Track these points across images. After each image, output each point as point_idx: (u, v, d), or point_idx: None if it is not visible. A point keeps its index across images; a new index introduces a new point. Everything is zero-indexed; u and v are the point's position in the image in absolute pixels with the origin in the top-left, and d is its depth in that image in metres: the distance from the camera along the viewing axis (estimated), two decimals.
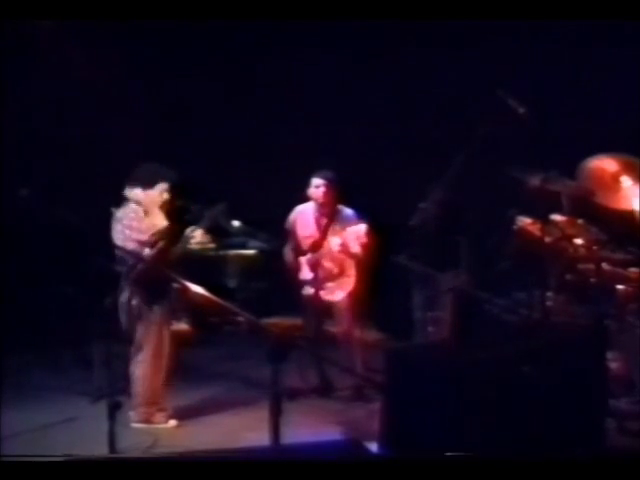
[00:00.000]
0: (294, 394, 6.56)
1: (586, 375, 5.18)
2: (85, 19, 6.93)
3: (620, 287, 6.20)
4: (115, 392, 5.61)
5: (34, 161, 8.76)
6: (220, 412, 6.75)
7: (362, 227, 6.76)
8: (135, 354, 6.39)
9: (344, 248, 6.86)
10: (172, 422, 6.44)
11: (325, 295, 7.14)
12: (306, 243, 7.22)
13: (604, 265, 6.28)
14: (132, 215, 6.31)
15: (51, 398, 7.06)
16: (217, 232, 7.05)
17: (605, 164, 6.42)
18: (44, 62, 9.02)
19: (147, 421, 6.36)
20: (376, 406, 5.75)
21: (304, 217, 7.27)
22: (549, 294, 6.41)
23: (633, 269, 6.24)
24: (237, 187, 9.35)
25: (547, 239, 6.32)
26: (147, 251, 6.23)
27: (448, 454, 4.14)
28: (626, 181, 6.34)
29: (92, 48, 9.13)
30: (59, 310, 8.23)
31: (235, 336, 8.71)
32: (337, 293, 7.12)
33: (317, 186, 7.12)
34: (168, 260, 6.23)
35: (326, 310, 7.20)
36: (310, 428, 6.00)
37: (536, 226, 6.41)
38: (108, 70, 9.28)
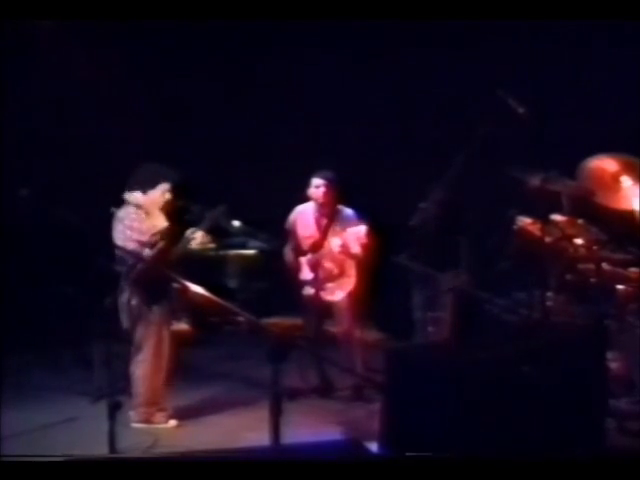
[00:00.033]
0: (294, 394, 6.56)
1: (586, 375, 5.18)
2: (85, 19, 6.93)
3: (620, 287, 6.20)
4: (115, 392, 5.61)
5: (34, 161, 8.76)
6: (220, 412, 6.75)
7: (362, 228, 6.76)
8: (135, 354, 6.39)
9: (344, 249, 6.86)
10: (172, 422, 6.44)
11: (325, 295, 7.13)
12: (306, 243, 7.22)
13: (604, 265, 6.28)
14: (133, 216, 6.31)
15: (51, 398, 7.06)
16: (217, 233, 7.04)
17: (605, 164, 6.42)
18: (44, 62, 9.02)
19: (147, 421, 6.36)
20: (376, 406, 5.75)
21: (304, 217, 7.27)
22: (549, 294, 6.41)
23: (633, 269, 6.24)
24: (237, 187, 9.36)
25: (547, 239, 6.32)
26: (147, 251, 6.23)
27: (448, 454, 4.14)
28: (626, 181, 6.34)
29: (92, 48, 9.12)
30: (59, 310, 8.23)
31: (235, 336, 8.71)
32: (337, 293, 7.11)
33: (317, 186, 7.12)
34: (168, 260, 6.23)
35: (326, 310, 7.19)
36: (310, 428, 6.00)
37: (536, 226, 6.41)
38: (108, 70, 9.29)
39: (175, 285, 6.27)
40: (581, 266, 6.43)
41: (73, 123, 9.17)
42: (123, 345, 6.36)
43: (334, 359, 7.14)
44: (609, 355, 5.86)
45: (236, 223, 7.26)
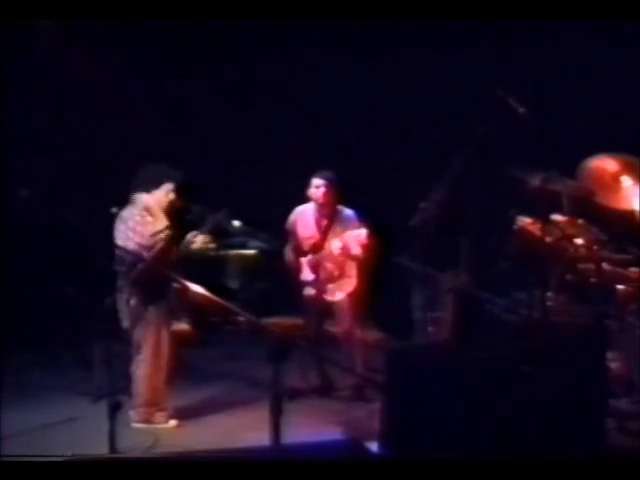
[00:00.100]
0: (294, 394, 6.57)
1: (586, 375, 5.18)
2: (85, 19, 6.93)
3: (620, 287, 6.20)
4: (115, 392, 5.61)
5: (34, 161, 8.76)
6: (220, 412, 6.75)
7: (363, 231, 6.77)
8: (135, 354, 6.39)
9: (344, 251, 6.87)
10: (172, 422, 6.44)
11: (326, 296, 7.14)
12: (307, 244, 7.22)
13: (604, 265, 6.27)
14: (138, 218, 6.30)
15: (51, 398, 7.06)
16: (219, 234, 7.05)
17: (605, 164, 6.41)
18: (44, 62, 9.02)
19: (147, 421, 6.36)
20: (376, 406, 5.75)
21: (304, 218, 7.27)
22: (549, 294, 6.41)
23: (633, 269, 6.24)
24: (237, 187, 9.36)
25: (547, 239, 6.32)
26: (147, 253, 6.23)
27: (448, 454, 4.14)
28: (626, 181, 6.34)
29: (92, 48, 9.12)
30: (59, 310, 8.23)
31: (235, 336, 8.71)
32: (338, 294, 7.12)
33: (317, 186, 7.12)
34: (168, 260, 6.23)
35: (327, 310, 7.20)
36: (310, 428, 6.00)
37: (536, 226, 6.40)
38: (108, 70, 9.28)
39: (175, 285, 6.27)
40: (581, 266, 6.43)
41: (73, 123, 9.17)
42: (123, 345, 6.37)
43: (334, 359, 7.14)
44: (609, 355, 5.86)
45: (236, 223, 7.26)
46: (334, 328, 7.23)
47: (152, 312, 6.31)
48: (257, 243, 9.38)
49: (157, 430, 6.28)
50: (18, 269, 8.46)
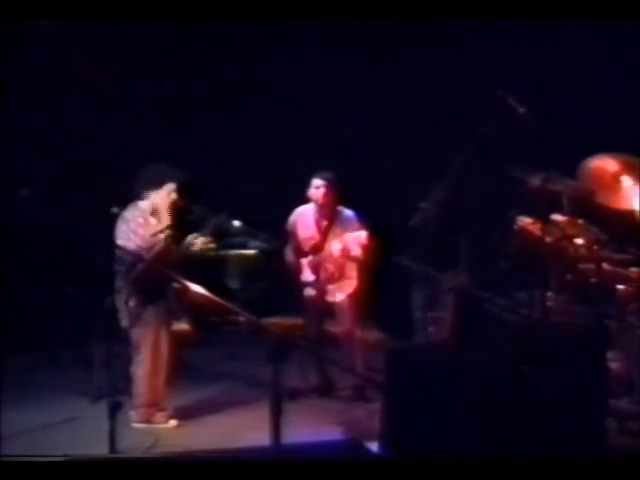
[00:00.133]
0: (295, 394, 6.57)
1: (586, 375, 5.17)
2: (85, 19, 6.93)
3: (620, 287, 6.20)
4: (115, 392, 5.61)
5: (34, 161, 8.76)
6: (220, 412, 6.75)
7: (362, 233, 6.77)
8: (134, 355, 6.38)
9: (345, 252, 6.87)
10: (172, 422, 6.44)
11: (326, 297, 7.14)
12: (307, 245, 7.22)
13: (604, 265, 6.27)
14: (140, 220, 6.30)
15: (51, 398, 7.06)
16: (219, 235, 7.05)
17: (605, 164, 6.41)
18: (44, 62, 9.02)
19: (147, 421, 6.36)
20: (376, 406, 5.75)
21: (304, 218, 7.27)
22: (549, 294, 6.41)
23: (633, 269, 6.24)
24: (237, 187, 9.36)
25: (548, 239, 6.32)
26: (148, 253, 6.23)
27: (448, 454, 4.14)
28: (626, 181, 6.34)
29: (92, 48, 9.12)
30: (59, 310, 8.23)
31: (235, 336, 8.71)
32: (338, 295, 7.12)
33: (317, 187, 7.11)
34: (168, 260, 6.22)
35: (327, 311, 7.20)
36: (311, 428, 6.00)
37: (536, 226, 6.41)
38: (108, 70, 9.28)
39: (176, 285, 6.27)
40: (581, 266, 6.43)
41: (73, 123, 9.17)
42: (123, 345, 6.37)
43: (335, 359, 7.14)
44: (609, 355, 5.86)
45: (236, 223, 7.27)
46: (334, 328, 7.23)
47: (151, 312, 6.31)
48: (257, 243, 9.38)
49: (157, 430, 6.28)
50: (18, 269, 8.46)
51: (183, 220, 6.56)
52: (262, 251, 9.41)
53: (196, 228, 6.56)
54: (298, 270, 7.24)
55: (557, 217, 6.52)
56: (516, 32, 7.84)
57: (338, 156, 8.67)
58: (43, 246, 8.59)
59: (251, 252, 9.56)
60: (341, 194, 7.18)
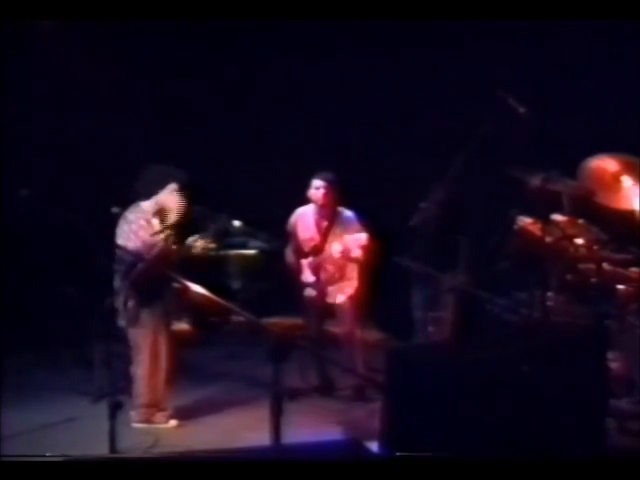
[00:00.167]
0: (295, 394, 6.56)
1: (587, 375, 5.17)
2: (85, 19, 6.93)
3: (621, 287, 6.20)
4: (116, 392, 5.60)
5: (34, 161, 8.76)
6: (221, 412, 6.75)
7: (363, 235, 6.77)
8: (133, 355, 6.37)
9: (345, 254, 6.87)
10: (173, 422, 6.44)
11: (327, 298, 7.14)
12: (307, 246, 7.22)
13: (605, 265, 6.28)
14: (142, 223, 6.28)
15: (51, 398, 7.06)
16: (219, 237, 7.05)
17: (606, 164, 6.41)
18: (44, 62, 9.02)
19: (148, 421, 6.36)
20: (377, 406, 5.75)
21: (305, 219, 7.27)
22: (550, 294, 6.41)
23: (634, 269, 6.24)
24: (237, 187, 9.36)
25: (548, 239, 6.32)
26: (148, 253, 6.22)
27: (448, 454, 4.13)
28: (627, 181, 6.34)
29: (92, 48, 9.12)
30: (59, 310, 8.23)
31: (235, 336, 8.71)
32: (339, 297, 7.13)
33: (317, 188, 7.11)
34: (169, 261, 6.22)
35: (328, 311, 7.20)
36: (311, 428, 6.00)
37: (537, 226, 6.41)
38: (108, 70, 9.28)
39: (176, 285, 6.27)
40: (582, 266, 6.43)
41: (73, 123, 9.17)
42: (123, 345, 6.36)
43: (335, 359, 7.14)
44: (610, 355, 5.86)
45: (236, 223, 7.27)
46: (335, 328, 7.23)
47: (149, 313, 6.29)
48: (257, 243, 9.39)
49: (157, 430, 6.28)
50: (18, 269, 8.46)
51: (183, 220, 6.55)
52: (262, 251, 9.41)
53: (196, 228, 6.55)
54: (298, 271, 7.24)
55: (557, 217, 6.52)
56: (516, 32, 7.84)
57: (338, 156, 8.67)
58: (43, 246, 8.59)
59: (251, 252, 9.56)
60: (341, 195, 7.18)
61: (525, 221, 6.63)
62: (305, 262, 7.21)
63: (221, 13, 6.70)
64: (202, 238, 6.47)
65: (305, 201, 7.24)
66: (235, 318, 8.96)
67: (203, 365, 7.98)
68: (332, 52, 9.15)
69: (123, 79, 9.40)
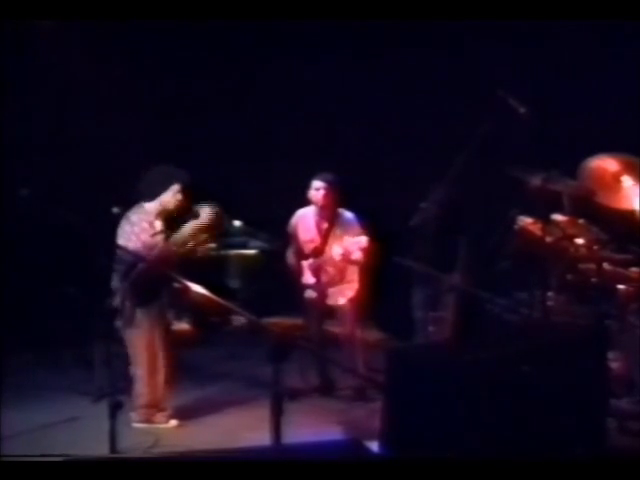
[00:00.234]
0: (295, 394, 6.56)
1: (587, 375, 5.17)
2: (85, 19, 6.93)
3: (621, 287, 6.20)
4: (116, 392, 5.60)
5: (34, 161, 8.75)
6: (221, 412, 6.75)
7: (363, 238, 6.77)
8: (131, 356, 6.36)
9: (345, 256, 6.87)
10: (173, 422, 6.44)
11: (327, 300, 7.15)
12: (308, 247, 7.22)
13: (605, 265, 6.28)
14: (145, 225, 6.26)
15: (52, 398, 7.06)
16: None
17: (606, 164, 6.42)
18: (44, 62, 9.02)
19: (148, 421, 6.36)
20: (377, 406, 5.74)
21: (305, 221, 7.28)
22: (550, 294, 6.41)
23: (634, 269, 6.24)
24: (237, 187, 9.36)
25: (548, 239, 6.32)
26: (148, 253, 6.22)
27: (448, 454, 4.14)
28: (627, 181, 6.34)
29: (92, 48, 9.12)
30: (60, 310, 8.23)
31: (235, 336, 8.71)
32: (339, 299, 7.13)
33: (317, 189, 7.11)
34: (169, 261, 6.21)
35: (328, 312, 7.20)
36: (311, 428, 6.00)
37: (537, 226, 6.41)
38: (108, 70, 9.28)
39: (176, 285, 6.26)
40: (582, 266, 6.43)
41: (73, 123, 9.17)
42: (123, 345, 6.36)
43: (336, 359, 7.14)
44: (610, 355, 5.86)
45: (237, 223, 7.26)
46: (335, 328, 7.23)
47: (145, 313, 6.26)
48: (258, 243, 9.39)
49: (158, 430, 6.28)
50: (19, 269, 8.46)
51: (182, 220, 6.54)
52: (262, 251, 9.42)
53: None
54: (299, 273, 7.24)
55: (558, 217, 6.52)
56: (516, 32, 7.83)
57: (338, 155, 8.68)
58: (43, 246, 8.59)
59: (251, 252, 9.57)
60: (341, 196, 7.17)
61: (525, 221, 6.63)
62: (305, 264, 7.21)
63: (221, 13, 6.70)
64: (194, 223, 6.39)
65: (305, 201, 7.24)
66: (235, 318, 8.97)
67: (203, 365, 7.98)
68: (332, 52, 9.14)
69: (123, 79, 9.40)
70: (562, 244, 6.43)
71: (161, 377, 6.37)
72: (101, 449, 5.32)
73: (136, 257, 6.14)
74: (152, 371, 6.34)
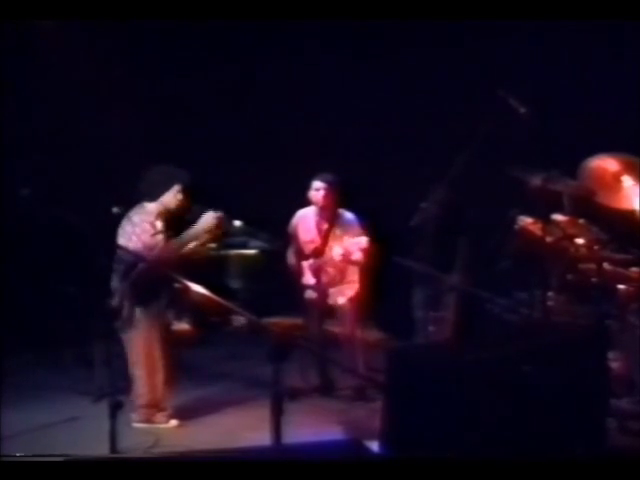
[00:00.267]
0: (295, 394, 6.56)
1: (587, 375, 5.17)
2: (85, 19, 6.93)
3: (621, 287, 6.20)
4: (116, 392, 5.59)
5: (34, 161, 8.75)
6: (221, 412, 6.75)
7: (363, 238, 6.77)
8: (129, 356, 6.35)
9: (345, 257, 6.87)
10: (173, 422, 6.44)
11: (328, 300, 7.15)
12: (308, 248, 7.23)
13: (605, 265, 6.27)
14: (146, 226, 6.25)
15: (52, 398, 7.06)
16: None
17: (606, 164, 6.41)
18: (44, 62, 9.02)
19: (148, 421, 6.36)
20: (377, 406, 5.74)
21: (305, 222, 7.28)
22: (550, 294, 6.41)
23: (634, 269, 6.24)
24: (237, 187, 9.36)
25: (548, 239, 6.32)
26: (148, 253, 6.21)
27: (448, 454, 4.13)
28: (627, 181, 6.34)
29: (92, 48, 9.12)
30: (60, 309, 8.23)
31: (235, 336, 8.71)
32: (340, 299, 7.13)
33: (317, 189, 7.12)
34: (169, 261, 6.21)
35: (328, 312, 7.20)
36: (311, 428, 6.00)
37: (537, 226, 6.41)
38: (108, 70, 9.28)
39: (176, 285, 6.26)
40: (582, 266, 6.43)
41: (73, 123, 9.17)
42: (123, 345, 6.35)
43: (336, 359, 7.14)
44: (610, 355, 5.86)
45: (237, 223, 7.26)
46: (335, 328, 7.23)
47: (143, 313, 6.26)
48: (258, 243, 9.39)
49: (158, 430, 6.28)
50: (18, 269, 8.46)
51: (182, 220, 6.54)
52: (263, 251, 9.42)
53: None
54: (299, 273, 7.24)
55: (558, 217, 6.52)
56: (516, 32, 7.83)
57: (338, 157, 8.67)
58: (43, 246, 8.59)
59: (252, 252, 9.57)
60: (341, 196, 7.17)
61: (526, 221, 6.63)
62: (306, 264, 7.21)
63: (221, 13, 6.70)
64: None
65: (305, 201, 7.24)
66: (235, 318, 8.96)
67: (203, 365, 7.99)
68: (332, 52, 9.14)
69: (123, 79, 9.40)
70: (562, 244, 6.42)
71: (160, 377, 6.37)
72: (101, 449, 5.31)
73: (136, 257, 6.14)
74: (151, 371, 6.34)
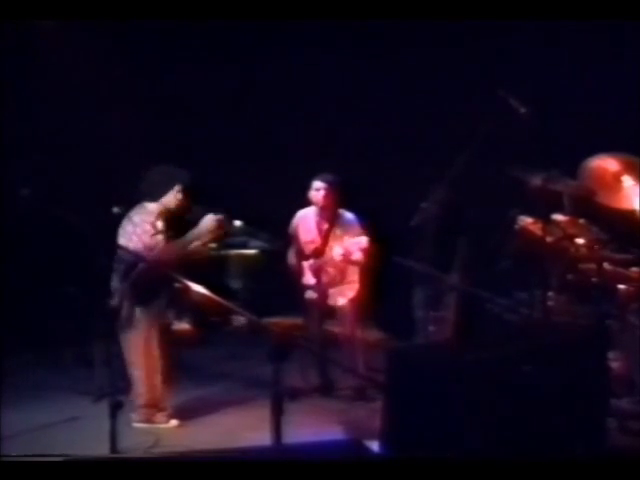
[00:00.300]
0: (295, 394, 6.56)
1: (587, 375, 5.17)
2: (85, 19, 6.93)
3: (621, 287, 6.20)
4: (116, 391, 5.59)
5: (34, 161, 8.75)
6: (221, 412, 6.75)
7: (363, 238, 6.77)
8: (128, 356, 6.35)
9: (346, 257, 6.87)
10: (173, 422, 6.43)
11: (328, 300, 7.15)
12: (308, 248, 7.23)
13: (605, 265, 6.27)
14: (147, 227, 6.24)
15: (52, 398, 7.06)
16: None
17: (606, 164, 6.41)
18: (44, 62, 9.02)
19: (148, 421, 6.35)
20: (377, 406, 5.74)
21: (306, 222, 7.28)
22: (550, 294, 6.40)
23: (634, 269, 6.24)
24: (237, 187, 9.36)
25: (548, 239, 6.32)
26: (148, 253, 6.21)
27: (448, 454, 4.13)
28: (627, 181, 6.34)
29: (92, 48, 9.12)
30: (60, 309, 8.23)
31: (236, 336, 8.71)
32: (340, 299, 7.13)
33: (317, 189, 7.12)
34: (169, 261, 6.21)
35: (329, 313, 7.20)
36: (311, 428, 6.00)
37: (537, 226, 6.40)
38: (108, 70, 9.28)
39: (177, 285, 6.26)
40: (582, 266, 6.43)
41: (73, 123, 9.17)
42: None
43: (336, 359, 7.14)
44: (610, 355, 5.86)
45: (237, 223, 7.26)
46: (335, 328, 7.23)
47: (142, 313, 6.25)
48: (258, 243, 9.39)
49: (158, 430, 6.28)
50: (19, 269, 8.46)
51: (181, 220, 6.54)
52: (263, 251, 9.42)
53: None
54: (300, 273, 7.24)
55: (558, 217, 6.52)
56: (516, 32, 7.83)
57: (338, 157, 8.67)
58: (43, 246, 8.59)
59: (252, 252, 9.57)
60: (342, 196, 7.17)
61: (526, 221, 6.63)
62: (306, 264, 7.21)
63: (221, 13, 6.70)
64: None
65: (306, 201, 7.24)
66: (236, 318, 8.96)
67: (203, 365, 7.99)
68: (332, 52, 9.14)
69: (123, 79, 9.40)
70: (562, 244, 6.42)
71: (159, 377, 6.37)
72: (101, 449, 5.31)
73: (136, 257, 6.14)
74: (150, 371, 6.33)
